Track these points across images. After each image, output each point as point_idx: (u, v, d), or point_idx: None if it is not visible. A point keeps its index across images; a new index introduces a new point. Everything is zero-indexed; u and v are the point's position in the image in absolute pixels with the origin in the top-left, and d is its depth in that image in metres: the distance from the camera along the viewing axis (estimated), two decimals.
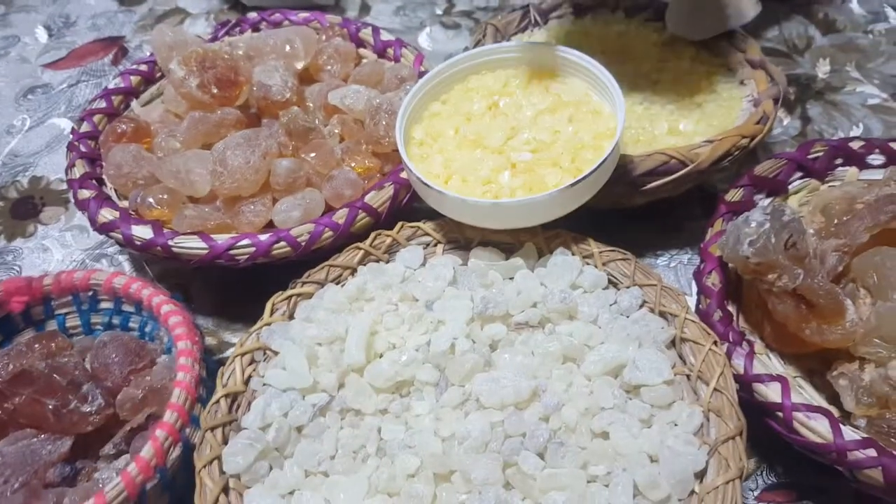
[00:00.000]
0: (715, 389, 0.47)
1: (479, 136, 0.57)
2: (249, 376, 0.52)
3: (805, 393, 0.49)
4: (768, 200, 0.58)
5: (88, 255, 0.70)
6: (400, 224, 0.59)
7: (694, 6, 0.71)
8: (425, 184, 0.53)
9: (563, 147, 0.55)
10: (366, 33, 0.74)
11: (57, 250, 0.71)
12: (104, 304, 0.59)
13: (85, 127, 0.67)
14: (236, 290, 0.65)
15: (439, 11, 0.92)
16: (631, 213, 0.66)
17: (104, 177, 0.64)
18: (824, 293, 0.47)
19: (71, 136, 0.66)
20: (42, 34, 0.96)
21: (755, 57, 0.67)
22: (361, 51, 0.75)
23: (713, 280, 0.53)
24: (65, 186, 0.76)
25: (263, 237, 0.57)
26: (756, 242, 0.47)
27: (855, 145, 0.59)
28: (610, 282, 0.55)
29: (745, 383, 0.48)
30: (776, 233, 0.47)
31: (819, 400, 0.50)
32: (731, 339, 0.50)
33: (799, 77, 0.79)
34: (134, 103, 0.71)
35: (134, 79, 0.71)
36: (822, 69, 0.80)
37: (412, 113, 0.59)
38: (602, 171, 0.53)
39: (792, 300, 0.48)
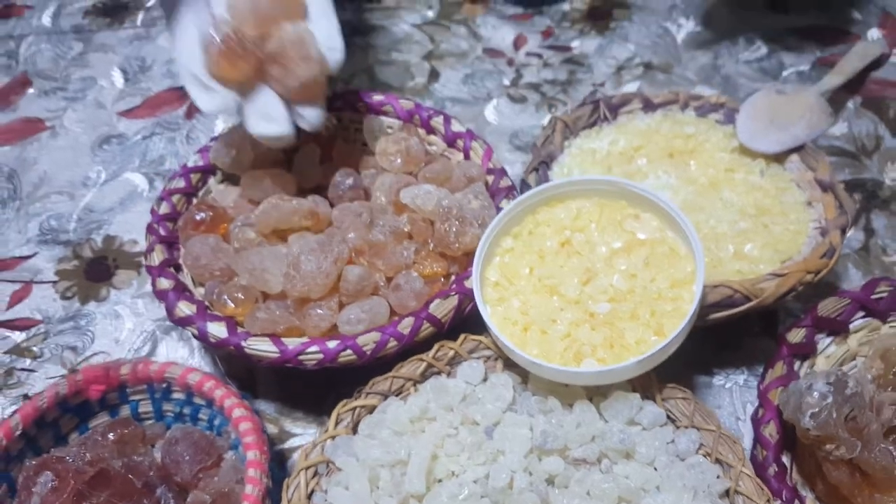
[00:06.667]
0: None
1: (555, 281, 0.58)
2: (312, 490, 0.54)
3: None
4: (830, 346, 0.59)
5: (159, 326, 0.73)
6: (463, 336, 0.60)
7: (766, 117, 0.71)
8: (511, 350, 0.55)
9: (641, 297, 0.56)
10: (437, 122, 0.75)
11: (129, 318, 0.74)
12: (176, 395, 0.61)
13: (164, 208, 0.69)
14: (301, 378, 0.67)
15: (507, 82, 0.92)
16: None
17: (181, 262, 0.67)
18: (880, 468, 0.48)
19: (150, 216, 0.69)
20: (118, 78, 0.98)
21: (825, 178, 0.67)
22: (431, 137, 0.76)
23: (771, 431, 0.54)
24: (137, 249, 0.79)
25: (331, 344, 0.59)
26: (818, 416, 0.48)
27: None
28: (668, 418, 0.56)
29: None
30: (838, 407, 0.48)
31: None
32: (784, 498, 0.51)
33: (865, 183, 0.79)
34: (211, 181, 0.73)
35: None
36: (890, 175, 0.79)
37: (486, 253, 0.60)
38: (683, 332, 0.54)
39: (847, 468, 0.49)
